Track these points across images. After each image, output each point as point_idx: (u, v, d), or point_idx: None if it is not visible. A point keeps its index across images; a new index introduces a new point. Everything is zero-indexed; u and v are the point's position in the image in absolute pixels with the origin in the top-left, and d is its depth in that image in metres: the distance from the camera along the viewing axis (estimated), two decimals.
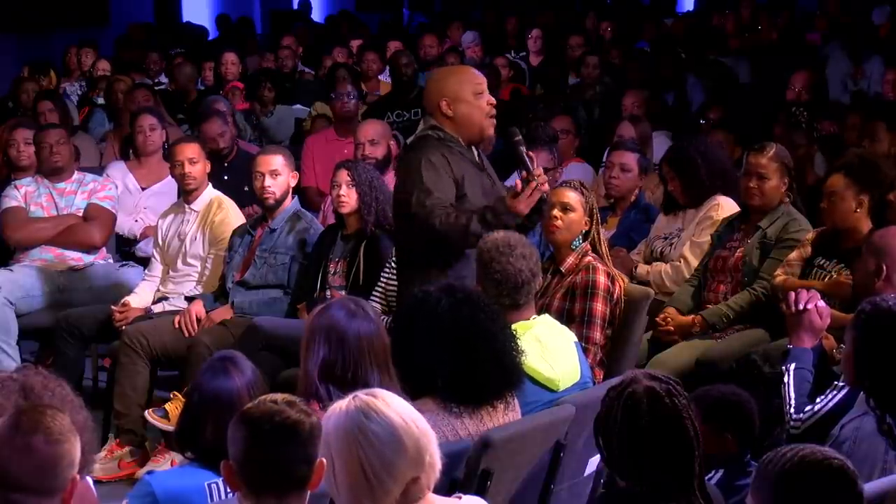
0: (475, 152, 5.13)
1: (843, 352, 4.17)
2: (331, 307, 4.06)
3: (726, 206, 6.22)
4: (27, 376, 3.25)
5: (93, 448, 3.17)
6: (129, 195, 7.83)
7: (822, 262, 5.53)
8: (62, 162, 7.18)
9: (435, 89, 5.10)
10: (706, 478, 3.85)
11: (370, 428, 2.88)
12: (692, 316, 5.84)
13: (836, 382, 4.28)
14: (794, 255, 5.64)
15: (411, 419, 2.92)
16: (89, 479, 3.31)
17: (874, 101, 9.55)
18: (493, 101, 5.12)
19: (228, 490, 3.44)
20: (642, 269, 6.37)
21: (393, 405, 2.93)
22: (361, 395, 2.95)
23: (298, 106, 10.55)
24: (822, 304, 4.55)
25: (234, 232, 6.64)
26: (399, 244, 5.31)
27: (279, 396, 3.09)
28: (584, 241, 5.39)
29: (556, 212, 5.36)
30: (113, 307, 6.63)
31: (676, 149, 6.57)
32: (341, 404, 2.95)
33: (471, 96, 5.04)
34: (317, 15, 18.28)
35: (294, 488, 3.02)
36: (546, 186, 4.98)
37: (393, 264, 5.88)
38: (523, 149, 4.98)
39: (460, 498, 3.09)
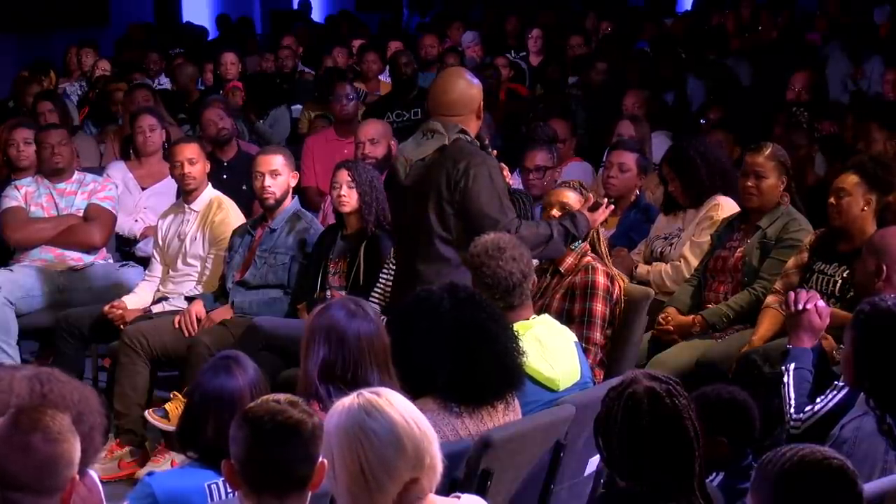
0: None
1: (842, 352, 4.15)
2: (331, 307, 4.05)
3: (726, 206, 6.21)
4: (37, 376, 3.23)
5: (101, 431, 3.16)
6: (129, 195, 7.83)
7: (821, 267, 5.51)
8: (63, 163, 7.19)
9: (474, 93, 5.12)
10: (707, 480, 3.85)
11: (371, 426, 2.88)
12: (692, 316, 5.83)
13: (836, 382, 4.28)
14: (790, 262, 5.64)
15: (413, 420, 2.92)
16: (95, 476, 3.30)
17: (873, 101, 9.55)
18: None
19: (229, 490, 3.44)
20: (642, 269, 6.37)
21: (396, 405, 2.93)
22: (365, 393, 2.95)
23: (298, 106, 10.56)
24: (821, 303, 4.54)
25: (234, 232, 6.64)
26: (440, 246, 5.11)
27: (281, 396, 3.09)
28: (583, 241, 5.39)
29: (554, 212, 5.37)
30: (106, 307, 6.63)
31: (676, 149, 6.57)
32: (345, 401, 2.95)
33: (482, 97, 5.18)
34: (317, 15, 18.28)
35: (295, 488, 3.02)
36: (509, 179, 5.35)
37: (391, 264, 5.88)
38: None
39: (459, 497, 3.09)
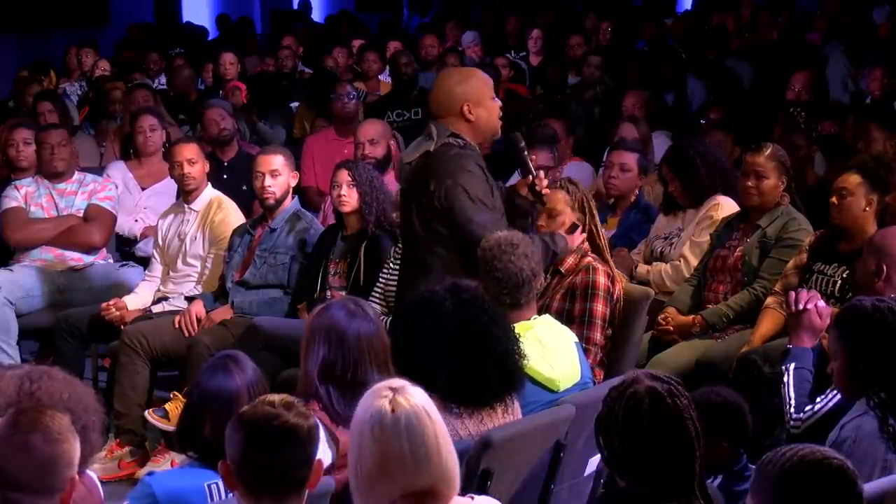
0: None
1: (834, 366, 4.03)
2: (331, 307, 4.05)
3: (726, 206, 6.22)
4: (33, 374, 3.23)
5: (97, 430, 3.16)
6: (129, 195, 7.84)
7: (821, 268, 5.51)
8: (62, 164, 7.17)
9: (457, 93, 4.97)
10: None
11: (389, 428, 2.87)
12: (692, 316, 5.83)
13: None
14: (790, 264, 5.63)
15: (436, 434, 2.91)
16: (94, 476, 3.30)
17: (873, 101, 9.54)
18: (500, 102, 5.10)
19: (229, 490, 3.44)
20: (642, 268, 6.36)
21: (430, 416, 2.92)
22: (405, 394, 2.93)
23: (297, 103, 10.59)
24: (822, 303, 4.54)
25: (234, 232, 6.64)
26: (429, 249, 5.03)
27: (277, 398, 3.08)
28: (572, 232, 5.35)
29: (541, 221, 5.35)
30: (103, 304, 6.62)
31: (676, 149, 6.57)
32: (382, 390, 2.93)
33: (489, 100, 5.00)
34: (317, 15, 18.28)
35: (292, 490, 3.02)
36: (547, 190, 5.10)
37: (391, 264, 5.88)
38: (527, 154, 5.12)
39: (473, 499, 3.09)
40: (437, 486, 2.91)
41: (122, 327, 6.45)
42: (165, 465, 5.80)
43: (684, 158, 6.33)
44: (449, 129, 4.95)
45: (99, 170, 8.04)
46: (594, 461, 4.38)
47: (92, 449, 3.09)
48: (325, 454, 3.79)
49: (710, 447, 4.12)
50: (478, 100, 4.97)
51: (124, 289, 6.93)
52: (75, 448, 2.89)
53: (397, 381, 2.98)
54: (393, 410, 2.89)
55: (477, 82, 5.04)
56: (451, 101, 4.98)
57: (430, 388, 3.89)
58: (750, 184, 5.86)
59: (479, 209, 4.83)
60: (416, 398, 2.94)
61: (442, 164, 4.89)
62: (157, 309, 6.65)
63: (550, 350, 4.46)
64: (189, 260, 6.76)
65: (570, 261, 5.34)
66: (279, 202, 6.49)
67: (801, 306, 4.50)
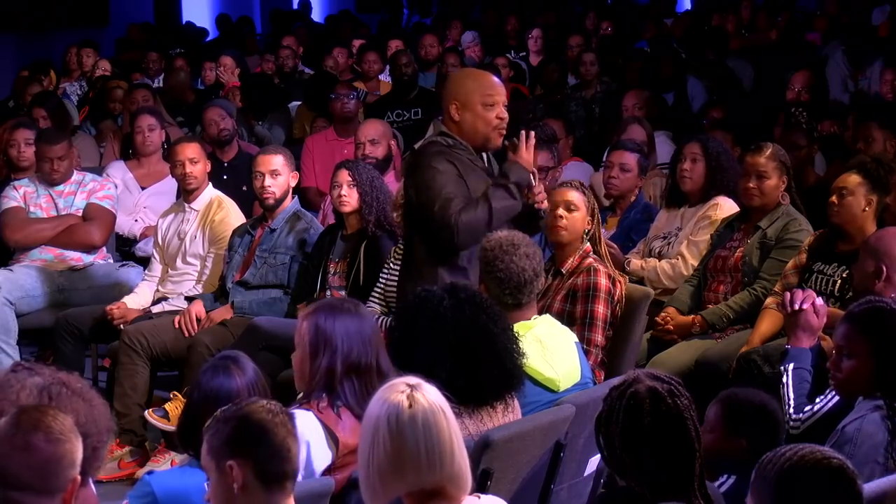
0: (484, 158, 5.10)
1: (849, 366, 3.93)
2: (331, 308, 4.06)
3: (725, 207, 6.21)
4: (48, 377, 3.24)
5: (105, 449, 3.17)
6: (129, 195, 7.84)
7: (821, 268, 5.51)
8: (59, 178, 7.15)
9: (450, 90, 5.02)
10: (718, 483, 3.83)
11: (406, 425, 2.89)
12: (692, 316, 5.84)
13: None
14: (790, 264, 5.63)
15: (450, 435, 2.92)
16: (92, 487, 3.30)
17: (873, 100, 9.54)
18: (505, 115, 5.01)
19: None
20: (635, 263, 6.33)
21: (445, 416, 2.93)
22: (422, 391, 2.94)
23: (296, 102, 10.59)
24: (819, 302, 4.53)
25: (234, 232, 6.64)
26: (412, 246, 5.09)
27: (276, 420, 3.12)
28: (587, 240, 5.38)
29: (560, 211, 5.35)
30: (108, 306, 6.62)
31: (708, 136, 6.57)
32: (398, 385, 2.95)
33: (479, 106, 4.94)
34: (317, 15, 18.29)
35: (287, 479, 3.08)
36: (545, 204, 5.09)
37: (391, 264, 5.88)
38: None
39: (479, 497, 3.10)
40: (447, 486, 2.92)
41: (122, 327, 6.45)
42: (165, 465, 5.80)
43: (717, 149, 6.33)
44: (441, 127, 4.98)
45: (99, 170, 8.04)
46: (594, 461, 4.38)
47: (97, 468, 3.09)
48: (325, 454, 3.79)
49: (733, 444, 4.04)
50: (465, 102, 4.95)
51: (124, 289, 6.93)
52: (77, 448, 2.89)
53: (413, 378, 2.99)
54: (410, 406, 2.91)
55: (471, 85, 5.01)
56: (444, 97, 5.04)
57: None
58: (751, 185, 5.85)
59: (441, 195, 4.80)
60: (433, 396, 2.96)
61: (413, 162, 4.95)
62: (156, 309, 6.66)
63: (551, 350, 4.46)
64: (189, 259, 6.76)
65: (571, 262, 5.35)
66: (279, 202, 6.49)
67: (797, 306, 4.50)
